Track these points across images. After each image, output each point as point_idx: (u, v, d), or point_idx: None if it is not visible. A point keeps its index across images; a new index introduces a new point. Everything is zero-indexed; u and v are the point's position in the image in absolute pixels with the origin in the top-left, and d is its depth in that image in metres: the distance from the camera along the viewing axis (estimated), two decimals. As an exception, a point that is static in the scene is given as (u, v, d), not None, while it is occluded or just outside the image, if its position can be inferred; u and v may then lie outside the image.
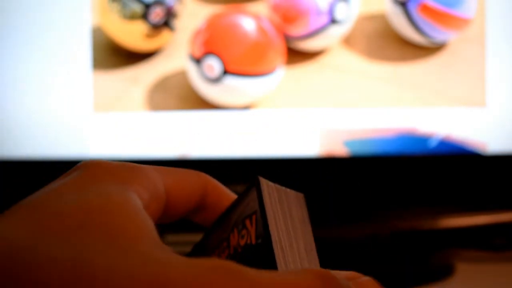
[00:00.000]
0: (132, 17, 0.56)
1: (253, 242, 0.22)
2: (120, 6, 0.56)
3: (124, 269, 0.17)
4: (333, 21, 0.56)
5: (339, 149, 0.57)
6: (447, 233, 0.60)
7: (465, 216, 0.60)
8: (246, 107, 0.57)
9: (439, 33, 0.57)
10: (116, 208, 0.19)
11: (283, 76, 0.57)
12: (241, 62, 0.55)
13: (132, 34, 0.57)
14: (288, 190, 0.25)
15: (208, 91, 0.56)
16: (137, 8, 0.56)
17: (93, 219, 0.19)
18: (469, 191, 0.60)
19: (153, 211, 0.22)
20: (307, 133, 0.57)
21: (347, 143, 0.57)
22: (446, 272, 0.59)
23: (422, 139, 0.57)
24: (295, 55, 0.58)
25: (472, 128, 0.57)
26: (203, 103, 0.57)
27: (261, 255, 0.22)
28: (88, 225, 0.18)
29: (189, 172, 0.25)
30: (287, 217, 0.24)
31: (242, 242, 0.23)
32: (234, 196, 0.26)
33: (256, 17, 0.56)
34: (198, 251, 0.26)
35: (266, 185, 0.24)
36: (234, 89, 0.55)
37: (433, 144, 0.57)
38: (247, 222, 0.23)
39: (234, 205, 0.24)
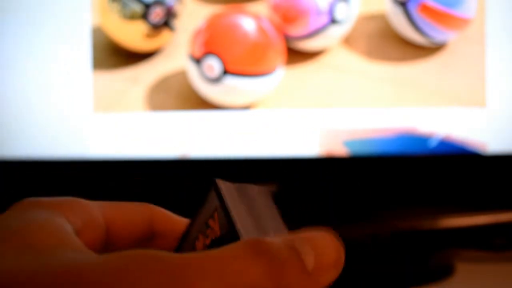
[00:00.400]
0: (132, 17, 0.56)
1: (218, 234, 0.22)
2: (120, 6, 0.56)
3: (33, 270, 0.17)
4: (333, 21, 0.56)
5: (339, 149, 0.57)
6: (447, 233, 0.60)
7: (465, 216, 0.60)
8: (246, 107, 0.57)
9: (439, 33, 0.57)
10: (36, 226, 0.19)
11: (283, 76, 0.57)
12: (241, 62, 0.55)
13: (132, 34, 0.57)
14: (250, 185, 0.24)
15: (208, 91, 0.56)
16: (137, 8, 0.56)
17: (11, 235, 0.19)
18: (469, 191, 0.60)
19: (89, 239, 0.22)
20: (307, 133, 0.57)
21: (347, 143, 0.57)
22: (446, 272, 0.59)
23: (422, 139, 0.57)
24: (295, 55, 0.58)
25: (472, 128, 0.57)
26: (203, 103, 0.57)
27: (227, 243, 0.21)
28: (4, 240, 0.19)
29: (132, 204, 0.24)
30: (250, 211, 0.23)
31: (208, 241, 0.23)
32: (184, 220, 0.25)
33: (256, 17, 0.56)
34: None
35: (223, 184, 0.23)
36: (234, 89, 0.55)
37: (433, 144, 0.57)
38: (210, 222, 0.23)
39: (194, 218, 0.24)
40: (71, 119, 0.57)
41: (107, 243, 0.23)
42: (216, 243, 0.22)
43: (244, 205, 0.23)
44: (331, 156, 0.57)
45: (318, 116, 0.57)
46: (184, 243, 0.24)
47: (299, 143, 0.57)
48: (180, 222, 0.25)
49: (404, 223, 0.60)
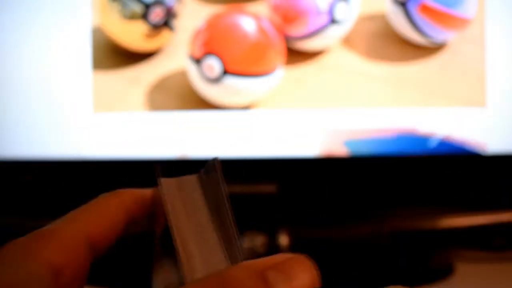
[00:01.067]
0: (132, 17, 0.56)
1: (167, 244, 0.23)
2: (120, 6, 0.56)
3: None
4: (333, 21, 0.56)
5: (339, 149, 0.57)
6: (447, 233, 0.60)
7: (465, 216, 0.60)
8: (246, 107, 0.57)
9: (439, 33, 0.57)
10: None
11: (283, 76, 0.57)
12: (241, 62, 0.55)
13: (132, 34, 0.57)
14: (189, 177, 0.25)
15: (208, 91, 0.56)
16: (137, 8, 0.56)
17: None
18: (469, 191, 0.60)
19: (74, 266, 0.23)
20: (307, 133, 0.57)
21: (347, 143, 0.57)
22: (446, 272, 0.59)
23: (422, 139, 0.57)
24: (295, 55, 0.58)
25: (472, 128, 0.57)
26: (203, 103, 0.57)
27: (168, 243, 0.22)
28: None
29: (102, 203, 0.26)
30: (190, 213, 0.23)
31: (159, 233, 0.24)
32: (148, 192, 0.27)
33: (256, 17, 0.56)
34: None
35: (167, 189, 0.24)
36: (234, 89, 0.55)
37: (433, 144, 0.57)
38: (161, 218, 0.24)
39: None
40: (71, 119, 0.57)
41: (93, 249, 0.25)
42: (164, 235, 0.23)
43: (185, 207, 0.24)
44: (331, 156, 0.57)
45: (318, 116, 0.57)
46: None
47: (299, 143, 0.57)
48: (147, 197, 0.27)
49: (404, 223, 0.60)
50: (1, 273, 0.21)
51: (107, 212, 0.25)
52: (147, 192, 0.27)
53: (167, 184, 0.24)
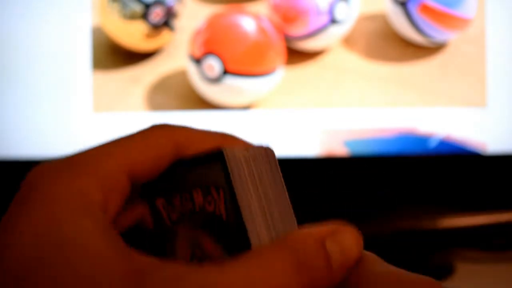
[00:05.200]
0: (132, 17, 0.56)
1: (224, 218, 0.22)
2: (120, 6, 0.56)
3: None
4: (333, 21, 0.56)
5: (339, 149, 0.57)
6: (447, 233, 0.60)
7: (465, 216, 0.60)
8: (246, 107, 0.57)
9: (439, 33, 0.57)
10: (70, 249, 0.19)
11: (283, 76, 0.57)
12: (241, 62, 0.55)
13: (132, 34, 0.57)
14: (255, 148, 0.24)
15: (208, 91, 0.56)
16: (137, 8, 0.56)
17: (48, 266, 0.19)
18: (469, 191, 0.60)
19: (114, 202, 0.22)
20: (307, 133, 0.57)
21: (347, 143, 0.57)
22: (446, 272, 0.59)
23: (422, 139, 0.57)
24: (295, 55, 0.58)
25: (472, 128, 0.57)
26: (203, 103, 0.57)
27: (234, 234, 0.21)
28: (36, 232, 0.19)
29: (154, 134, 0.23)
30: (257, 186, 0.23)
31: (210, 209, 0.23)
32: (209, 137, 0.25)
33: (256, 17, 0.56)
34: (151, 192, 0.25)
35: (233, 158, 0.23)
36: (234, 89, 0.55)
37: (433, 144, 0.57)
38: (213, 191, 0.22)
39: (196, 161, 0.24)
40: (71, 119, 0.57)
41: (134, 183, 0.23)
42: (221, 224, 0.22)
43: (251, 180, 0.23)
44: (331, 156, 0.57)
45: (318, 116, 0.57)
46: (179, 172, 0.24)
47: (299, 143, 0.57)
48: (205, 140, 0.25)
49: (404, 223, 0.60)
50: (40, 209, 0.20)
51: (154, 145, 0.23)
52: (199, 133, 0.25)
53: (233, 158, 0.23)
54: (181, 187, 0.24)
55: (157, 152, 0.23)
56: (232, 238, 0.22)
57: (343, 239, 0.21)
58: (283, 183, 0.24)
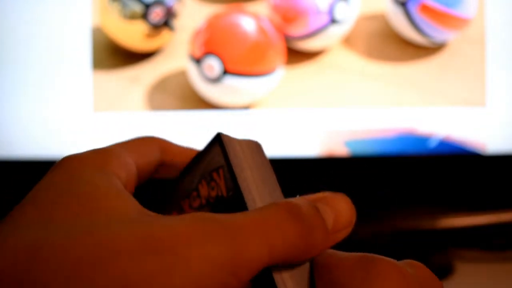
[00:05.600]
0: (132, 17, 0.56)
1: (225, 195, 0.24)
2: (120, 6, 0.56)
3: (118, 234, 0.20)
4: (333, 21, 0.56)
5: (340, 149, 0.57)
6: (447, 233, 0.60)
7: (465, 216, 0.60)
8: (246, 107, 0.57)
9: (439, 33, 0.57)
10: (103, 193, 0.22)
11: (283, 76, 0.57)
12: (241, 62, 0.55)
13: (132, 34, 0.57)
14: (246, 140, 0.26)
15: (208, 91, 0.56)
16: (137, 8, 0.56)
17: (86, 205, 0.21)
18: (469, 191, 0.60)
19: (131, 186, 0.24)
20: (307, 133, 0.57)
21: (348, 143, 0.57)
22: (446, 272, 0.59)
23: (422, 139, 0.57)
24: (295, 55, 0.58)
25: (472, 128, 0.57)
26: (203, 103, 0.57)
27: (234, 206, 0.23)
28: (83, 212, 0.21)
29: (146, 140, 0.27)
30: (252, 167, 0.25)
31: (213, 194, 0.24)
32: (187, 150, 0.28)
33: (256, 17, 0.56)
34: (167, 200, 0.27)
35: (228, 140, 0.25)
36: (234, 89, 0.55)
37: (433, 144, 0.57)
38: (215, 175, 0.24)
39: (198, 158, 0.26)
40: (71, 119, 0.57)
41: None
42: (222, 202, 0.24)
43: (246, 161, 0.25)
44: (331, 156, 0.57)
45: (318, 116, 0.57)
46: (185, 179, 0.26)
47: (299, 143, 0.57)
48: (183, 152, 0.28)
49: (404, 223, 0.60)
50: (84, 183, 0.22)
51: (148, 150, 0.26)
52: (177, 146, 0.28)
53: (230, 143, 0.25)
54: (187, 190, 0.26)
55: (149, 156, 0.26)
56: (233, 209, 0.23)
57: (334, 204, 0.23)
58: (273, 171, 0.25)
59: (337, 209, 0.23)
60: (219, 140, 0.25)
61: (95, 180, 0.22)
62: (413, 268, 0.22)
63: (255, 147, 0.26)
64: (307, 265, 0.22)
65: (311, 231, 0.22)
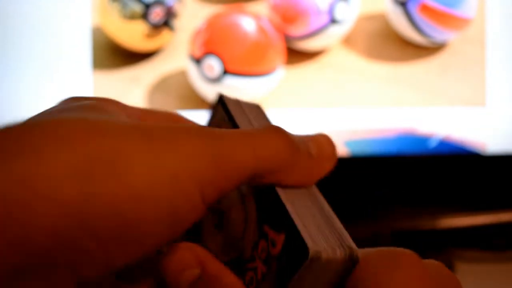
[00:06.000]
0: (132, 17, 0.56)
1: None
2: (120, 6, 0.56)
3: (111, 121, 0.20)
4: (333, 21, 0.56)
5: (340, 149, 0.57)
6: (447, 233, 0.60)
7: (465, 216, 0.60)
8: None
9: (439, 33, 0.57)
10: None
11: (283, 76, 0.57)
12: (241, 62, 0.55)
13: (132, 34, 0.57)
14: (248, 102, 0.28)
15: (208, 91, 0.56)
16: (137, 8, 0.56)
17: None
18: (469, 191, 0.60)
19: None
20: (307, 133, 0.57)
21: (348, 143, 0.57)
22: (446, 272, 0.59)
23: (422, 139, 0.57)
24: (295, 55, 0.58)
25: (472, 128, 0.57)
26: (203, 103, 0.57)
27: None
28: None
29: (159, 112, 0.29)
30: (251, 122, 0.27)
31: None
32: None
33: (256, 17, 0.56)
34: None
35: (229, 99, 0.26)
36: (234, 89, 0.55)
37: (433, 144, 0.57)
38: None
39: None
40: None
41: None
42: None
43: (246, 117, 0.26)
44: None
45: (318, 116, 0.57)
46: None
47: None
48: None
49: (404, 223, 0.60)
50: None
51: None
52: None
53: (230, 100, 0.27)
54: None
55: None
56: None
57: (318, 140, 0.26)
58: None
59: (320, 143, 0.25)
60: (220, 99, 0.26)
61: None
62: (432, 264, 0.22)
63: (254, 106, 0.27)
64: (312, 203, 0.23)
65: (296, 148, 0.23)
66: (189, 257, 0.21)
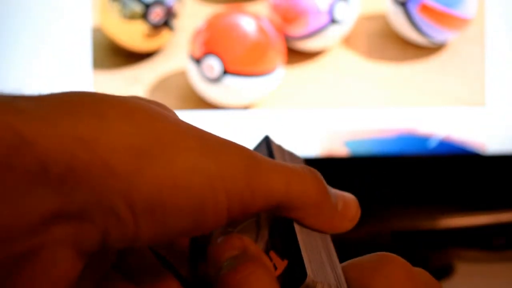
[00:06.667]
0: (132, 17, 0.56)
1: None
2: (120, 6, 0.56)
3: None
4: (333, 21, 0.56)
5: (340, 149, 0.57)
6: (447, 233, 0.60)
7: (465, 216, 0.60)
8: (246, 107, 0.57)
9: (439, 33, 0.57)
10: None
11: (283, 76, 0.57)
12: (241, 62, 0.55)
13: (132, 34, 0.57)
14: (288, 150, 0.28)
15: (208, 91, 0.56)
16: (137, 8, 0.56)
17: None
18: (469, 191, 0.60)
19: None
20: (307, 133, 0.57)
21: (348, 143, 0.57)
22: (446, 272, 0.59)
23: (422, 139, 0.57)
24: (295, 55, 0.58)
25: (472, 128, 0.57)
26: (203, 103, 0.57)
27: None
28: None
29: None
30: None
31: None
32: None
33: (256, 17, 0.56)
34: None
35: (273, 142, 0.27)
36: (234, 89, 0.55)
37: (433, 144, 0.57)
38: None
39: None
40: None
41: None
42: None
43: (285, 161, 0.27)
44: (331, 156, 0.57)
45: (318, 116, 0.57)
46: None
47: (299, 143, 0.57)
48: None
49: (404, 223, 0.60)
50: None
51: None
52: None
53: (274, 144, 0.27)
54: None
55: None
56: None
57: (345, 198, 0.26)
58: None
59: (346, 202, 0.25)
60: (266, 138, 0.28)
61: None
62: (418, 271, 0.24)
63: (298, 158, 0.28)
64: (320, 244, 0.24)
65: (327, 195, 0.24)
66: (234, 240, 0.23)
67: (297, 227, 0.23)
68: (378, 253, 0.23)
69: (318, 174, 0.24)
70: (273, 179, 0.22)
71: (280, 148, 0.28)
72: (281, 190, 0.22)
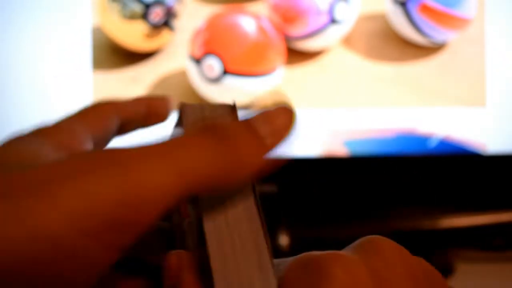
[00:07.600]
0: (132, 17, 0.56)
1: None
2: (120, 6, 0.56)
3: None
4: (333, 21, 0.56)
5: (340, 149, 0.57)
6: (447, 233, 0.60)
7: (465, 216, 0.60)
8: (246, 107, 0.57)
9: (439, 33, 0.57)
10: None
11: (283, 76, 0.57)
12: (241, 62, 0.55)
13: (132, 34, 0.57)
14: (217, 105, 0.25)
15: (208, 91, 0.56)
16: (137, 8, 0.56)
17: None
18: (469, 191, 0.60)
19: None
20: (308, 133, 0.57)
21: (347, 143, 0.57)
22: (446, 272, 0.59)
23: (422, 139, 0.57)
24: (295, 55, 0.58)
25: (472, 128, 0.57)
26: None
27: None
28: None
29: (98, 107, 0.26)
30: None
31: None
32: (137, 101, 0.28)
33: (256, 17, 0.56)
34: None
35: (190, 106, 0.24)
36: (234, 89, 0.55)
37: (433, 144, 0.57)
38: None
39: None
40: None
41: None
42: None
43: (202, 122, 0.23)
44: (331, 156, 0.57)
45: (318, 116, 0.57)
46: None
47: (299, 143, 0.57)
48: (136, 104, 0.28)
49: (404, 223, 0.60)
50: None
51: (106, 117, 0.27)
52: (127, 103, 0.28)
53: (191, 108, 0.25)
54: None
55: (107, 122, 0.26)
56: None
57: (271, 115, 0.21)
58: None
59: (274, 121, 0.21)
60: (181, 107, 0.24)
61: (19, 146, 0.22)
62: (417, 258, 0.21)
63: (225, 107, 0.24)
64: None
65: (235, 143, 0.19)
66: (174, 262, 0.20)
67: (208, 227, 0.20)
68: (371, 237, 0.20)
69: (209, 125, 0.20)
70: (157, 175, 0.18)
71: (199, 107, 0.24)
72: (174, 184, 0.18)
